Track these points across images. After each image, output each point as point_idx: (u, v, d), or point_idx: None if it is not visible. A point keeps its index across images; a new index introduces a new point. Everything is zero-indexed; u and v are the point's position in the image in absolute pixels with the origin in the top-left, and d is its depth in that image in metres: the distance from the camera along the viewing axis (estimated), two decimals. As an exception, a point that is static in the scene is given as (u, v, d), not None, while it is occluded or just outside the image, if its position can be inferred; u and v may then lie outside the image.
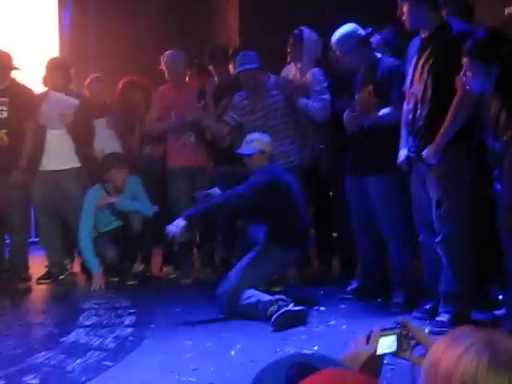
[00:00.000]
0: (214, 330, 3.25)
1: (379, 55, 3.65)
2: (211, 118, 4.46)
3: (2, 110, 4.28)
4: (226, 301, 3.45)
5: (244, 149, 3.86)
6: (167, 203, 4.58)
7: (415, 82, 3.13)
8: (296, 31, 4.21)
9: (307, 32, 4.19)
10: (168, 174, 4.60)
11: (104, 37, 6.60)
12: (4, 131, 4.26)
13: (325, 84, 4.09)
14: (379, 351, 1.35)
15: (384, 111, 3.46)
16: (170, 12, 6.31)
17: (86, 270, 4.58)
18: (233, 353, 2.87)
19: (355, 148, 3.65)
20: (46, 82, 4.65)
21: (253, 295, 3.43)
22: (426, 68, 3.07)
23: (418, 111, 3.12)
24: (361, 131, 3.56)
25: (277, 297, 3.40)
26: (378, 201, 3.58)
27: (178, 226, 3.40)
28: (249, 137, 3.89)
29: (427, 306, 3.31)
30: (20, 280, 4.33)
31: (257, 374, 1.16)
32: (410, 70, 3.17)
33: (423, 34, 3.13)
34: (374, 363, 1.33)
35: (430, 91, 3.05)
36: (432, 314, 3.19)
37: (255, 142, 3.82)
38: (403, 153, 3.27)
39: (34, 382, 2.58)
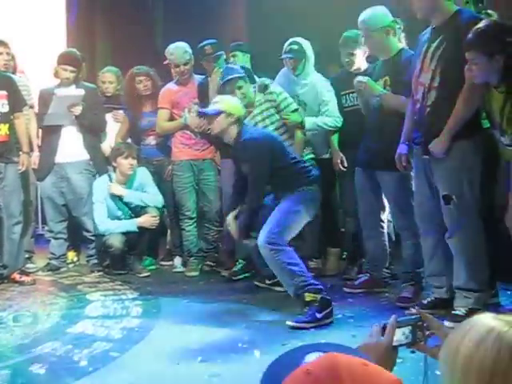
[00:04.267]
0: (222, 323, 3.24)
1: (401, 45, 3.61)
2: None
3: (4, 104, 4.24)
4: (268, 248, 3.26)
5: (207, 109, 3.69)
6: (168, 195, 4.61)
7: (423, 71, 3.10)
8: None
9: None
10: (174, 166, 4.60)
11: (111, 29, 6.60)
12: (7, 125, 4.24)
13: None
14: (394, 343, 1.33)
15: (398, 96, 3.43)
16: (176, 5, 6.28)
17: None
18: (240, 345, 2.86)
19: (368, 140, 3.63)
20: (56, 74, 4.66)
21: (299, 264, 3.28)
22: (436, 57, 3.03)
23: (426, 100, 3.08)
24: (375, 125, 3.54)
25: (319, 286, 3.27)
26: (389, 195, 3.56)
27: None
28: (215, 98, 3.75)
29: (424, 301, 3.30)
30: (21, 273, 4.32)
31: (270, 363, 1.14)
32: (419, 60, 3.14)
33: (434, 23, 3.10)
34: (390, 355, 1.31)
35: (437, 80, 3.02)
36: (431, 308, 3.15)
37: (220, 103, 3.62)
38: (403, 147, 3.26)
39: (41, 371, 2.58)
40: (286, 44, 4.14)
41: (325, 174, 4.17)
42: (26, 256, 4.57)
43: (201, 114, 3.93)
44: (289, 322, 3.13)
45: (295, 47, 4.10)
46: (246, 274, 4.20)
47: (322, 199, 4.20)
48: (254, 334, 3.01)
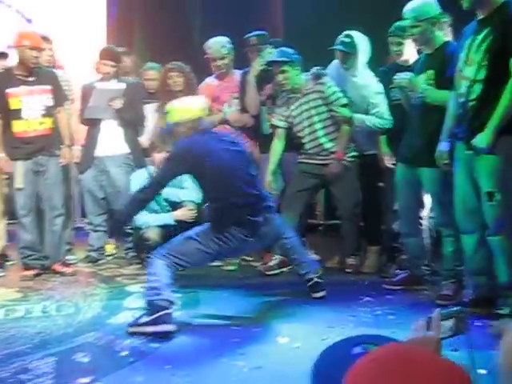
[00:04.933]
0: (260, 317, 3.25)
1: (446, 38, 3.55)
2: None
3: (48, 98, 4.33)
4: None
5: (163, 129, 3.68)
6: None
7: (468, 64, 3.04)
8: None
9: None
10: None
11: (149, 24, 6.66)
12: (51, 119, 4.32)
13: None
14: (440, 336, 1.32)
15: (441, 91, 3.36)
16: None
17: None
18: (279, 338, 2.86)
19: (410, 136, 3.58)
20: (98, 69, 4.74)
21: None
22: (481, 50, 2.96)
23: (469, 95, 3.03)
24: (418, 121, 3.49)
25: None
26: (430, 191, 3.52)
27: None
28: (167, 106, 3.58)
29: (466, 299, 3.24)
30: (62, 264, 4.40)
31: (320, 354, 1.14)
32: (463, 53, 3.08)
33: (480, 15, 3.03)
34: (440, 348, 1.29)
35: (483, 73, 2.95)
36: (472, 307, 3.09)
37: (171, 113, 3.47)
38: (444, 144, 3.21)
39: (84, 360, 2.63)
40: (340, 36, 4.09)
41: (368, 171, 4.15)
42: (67, 248, 4.66)
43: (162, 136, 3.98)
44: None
45: (347, 40, 4.06)
46: (283, 269, 4.20)
47: (365, 196, 4.18)
48: (293, 329, 3.01)
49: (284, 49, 4.14)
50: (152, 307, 3.01)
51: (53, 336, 2.96)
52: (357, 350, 1.09)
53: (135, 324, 3.05)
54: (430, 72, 3.43)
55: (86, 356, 2.66)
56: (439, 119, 3.31)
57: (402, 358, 0.84)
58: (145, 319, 3.01)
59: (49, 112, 4.30)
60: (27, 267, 4.31)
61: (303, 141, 4.20)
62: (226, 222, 3.20)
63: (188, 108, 3.43)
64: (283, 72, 4.03)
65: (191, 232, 3.28)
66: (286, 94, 4.21)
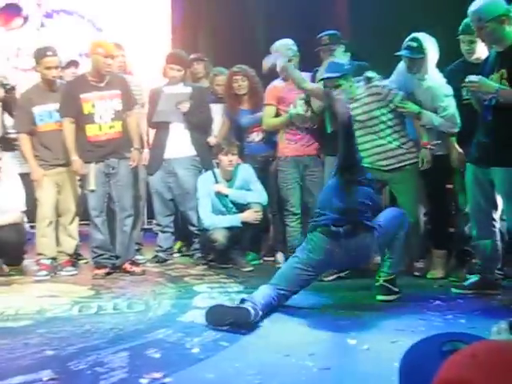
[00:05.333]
0: (328, 318, 3.23)
1: None
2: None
3: (118, 102, 4.45)
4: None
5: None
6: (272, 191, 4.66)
7: None
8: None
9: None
10: (279, 162, 4.64)
11: (215, 29, 6.76)
12: (120, 122, 4.45)
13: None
14: None
15: None
16: (281, 2, 6.33)
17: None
18: (349, 340, 2.84)
19: (482, 137, 3.48)
20: (165, 74, 4.86)
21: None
22: None
23: None
24: (490, 121, 3.39)
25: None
26: (503, 192, 3.41)
27: None
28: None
29: None
30: (132, 263, 4.52)
31: (407, 350, 1.13)
32: None
33: None
34: None
35: None
36: None
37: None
38: None
39: (156, 355, 2.68)
40: (406, 40, 3.97)
41: (437, 173, 4.05)
42: (136, 248, 4.79)
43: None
44: None
45: (413, 44, 3.92)
46: (340, 274, 4.15)
47: (432, 199, 4.08)
48: (361, 331, 2.98)
49: (336, 61, 4.11)
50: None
51: (125, 332, 3.04)
52: (446, 347, 1.07)
53: None
54: (503, 71, 3.32)
55: (157, 352, 2.72)
56: None
57: (498, 351, 0.83)
58: None
59: (118, 116, 4.44)
60: (99, 266, 4.45)
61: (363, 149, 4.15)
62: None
63: None
64: (338, 87, 3.99)
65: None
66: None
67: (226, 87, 4.88)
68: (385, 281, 3.53)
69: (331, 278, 4.10)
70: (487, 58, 3.56)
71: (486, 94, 3.36)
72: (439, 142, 4.03)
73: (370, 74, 4.09)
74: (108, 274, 4.42)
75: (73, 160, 4.40)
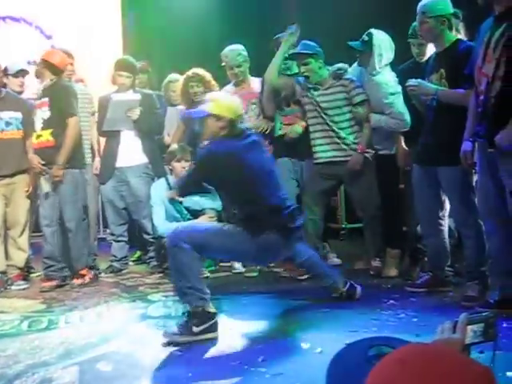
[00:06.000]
0: (281, 323, 3.23)
1: (459, 36, 3.51)
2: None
3: (46, 110, 4.34)
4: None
5: (194, 111, 3.27)
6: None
7: (487, 61, 2.99)
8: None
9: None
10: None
11: (166, 34, 6.73)
12: (49, 131, 4.30)
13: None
14: (466, 341, 1.28)
15: (455, 90, 3.33)
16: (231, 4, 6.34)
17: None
18: (302, 344, 2.84)
19: (427, 137, 3.54)
20: (114, 81, 4.78)
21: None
22: (500, 45, 2.91)
23: (490, 91, 2.97)
24: (433, 122, 3.46)
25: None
26: (450, 191, 3.47)
27: None
28: (207, 96, 3.32)
29: (491, 300, 3.18)
30: (78, 277, 4.42)
31: (335, 355, 1.13)
32: (481, 50, 3.03)
33: (498, 10, 2.99)
34: (464, 352, 1.26)
35: (502, 69, 2.90)
36: (497, 308, 3.02)
37: (210, 104, 3.11)
38: (468, 143, 3.16)
39: (106, 368, 2.63)
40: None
41: (385, 172, 4.11)
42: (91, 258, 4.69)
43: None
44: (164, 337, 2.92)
45: (365, 38, 4.05)
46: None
47: (383, 198, 4.14)
48: (315, 334, 2.98)
49: (307, 42, 4.17)
50: (199, 315, 2.93)
51: (76, 346, 2.96)
52: (372, 351, 1.07)
53: (183, 333, 2.91)
54: (442, 71, 3.40)
55: (107, 364, 2.67)
56: (455, 117, 3.27)
57: (426, 356, 0.83)
58: (195, 329, 2.91)
59: (46, 125, 4.30)
60: (48, 278, 4.36)
61: (317, 139, 4.20)
62: (264, 226, 3.00)
63: (233, 106, 3.14)
64: (306, 64, 4.07)
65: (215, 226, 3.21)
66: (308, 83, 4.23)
67: (181, 91, 4.85)
68: (345, 289, 3.60)
69: (304, 277, 4.12)
70: (429, 59, 3.66)
71: (425, 95, 3.42)
72: (373, 151, 4.11)
73: (340, 65, 4.16)
74: (58, 286, 4.32)
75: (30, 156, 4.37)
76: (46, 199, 4.33)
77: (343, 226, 6.24)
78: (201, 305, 2.95)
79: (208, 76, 4.77)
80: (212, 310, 3.01)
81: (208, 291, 3.01)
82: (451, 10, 3.45)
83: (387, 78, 4.08)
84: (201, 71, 4.75)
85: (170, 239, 2.99)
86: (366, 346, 1.05)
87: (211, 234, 3.02)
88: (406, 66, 4.17)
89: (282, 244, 3.06)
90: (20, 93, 4.82)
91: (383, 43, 4.06)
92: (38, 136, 4.32)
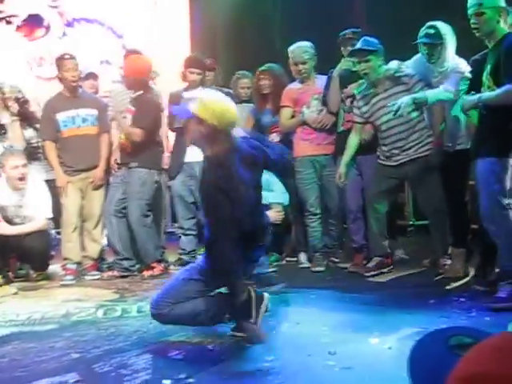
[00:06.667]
0: (349, 317, 3.23)
1: (507, 30, 3.37)
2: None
3: (127, 118, 4.57)
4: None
5: (179, 109, 2.77)
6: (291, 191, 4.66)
7: None
8: None
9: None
10: (295, 163, 4.64)
11: (233, 31, 6.81)
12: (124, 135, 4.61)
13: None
14: None
15: (500, 89, 3.18)
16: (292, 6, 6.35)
17: None
18: (370, 339, 2.83)
19: (477, 130, 3.46)
20: (184, 78, 4.90)
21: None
22: None
23: None
24: (481, 117, 3.37)
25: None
26: (478, 184, 3.38)
27: None
28: (193, 93, 2.89)
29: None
30: (147, 268, 4.58)
31: (412, 348, 1.13)
32: None
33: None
34: None
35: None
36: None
37: (195, 103, 2.63)
38: None
39: (178, 357, 2.72)
40: (423, 29, 3.95)
41: (456, 168, 4.01)
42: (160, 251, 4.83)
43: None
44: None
45: (431, 31, 3.90)
46: (383, 270, 4.15)
47: (450, 195, 4.04)
48: (384, 330, 2.96)
49: (368, 38, 4.10)
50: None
51: (148, 334, 3.08)
52: (452, 341, 1.07)
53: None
54: (489, 67, 3.29)
55: (179, 353, 2.75)
56: (495, 115, 3.20)
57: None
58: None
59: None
60: (116, 269, 4.54)
61: (383, 138, 4.15)
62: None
63: (222, 112, 2.66)
64: (367, 61, 4.00)
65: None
66: (364, 90, 4.18)
67: (253, 86, 4.92)
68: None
69: (374, 273, 4.10)
70: (485, 54, 3.52)
71: (475, 107, 3.35)
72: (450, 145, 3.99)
73: (394, 66, 4.09)
74: (123, 277, 4.49)
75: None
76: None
77: (411, 222, 6.15)
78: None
79: (280, 70, 4.81)
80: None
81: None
82: (504, 3, 3.34)
83: (464, 67, 3.95)
84: (273, 65, 4.80)
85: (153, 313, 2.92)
86: (445, 336, 1.05)
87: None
88: (480, 56, 4.04)
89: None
90: (94, 93, 5.05)
91: (449, 32, 3.95)
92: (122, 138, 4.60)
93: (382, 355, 2.65)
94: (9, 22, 6.79)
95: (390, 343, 2.74)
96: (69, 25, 7.04)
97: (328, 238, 4.65)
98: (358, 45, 4.09)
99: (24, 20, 6.88)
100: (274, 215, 4.54)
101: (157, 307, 2.89)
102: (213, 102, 2.67)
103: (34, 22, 6.91)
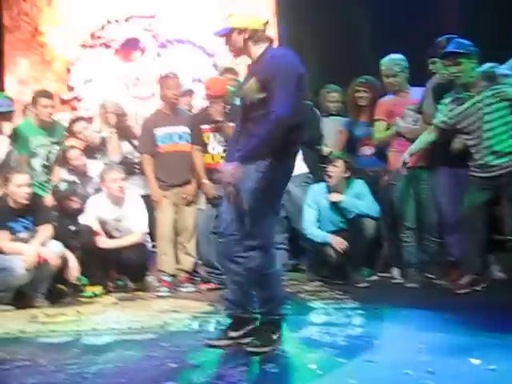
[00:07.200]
0: (447, 337, 3.11)
1: None
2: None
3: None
4: None
5: (219, 31, 3.00)
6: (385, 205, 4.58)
7: None
8: None
9: None
10: (391, 176, 4.56)
11: (320, 43, 6.80)
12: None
13: None
14: None
15: None
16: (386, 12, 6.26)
17: None
18: (470, 359, 2.72)
19: None
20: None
21: None
22: None
23: None
24: None
25: None
26: None
27: None
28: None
29: None
30: None
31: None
32: None
33: None
34: None
35: None
36: None
37: (230, 20, 2.95)
38: None
39: (274, 370, 2.73)
40: None
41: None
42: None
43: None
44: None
45: None
46: (476, 288, 3.99)
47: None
48: (486, 349, 2.84)
49: (460, 40, 3.96)
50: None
51: (242, 347, 3.10)
52: None
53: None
54: None
55: (275, 367, 2.76)
56: None
57: None
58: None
59: None
60: (207, 281, 4.69)
61: (472, 146, 3.98)
62: None
63: (253, 16, 2.99)
64: (458, 64, 3.85)
65: None
66: (453, 93, 4.04)
67: (349, 97, 4.92)
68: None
69: (465, 290, 3.97)
70: None
71: None
72: None
73: (491, 64, 3.91)
74: (215, 289, 4.57)
75: (203, 182, 4.70)
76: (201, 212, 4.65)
77: (510, 237, 5.85)
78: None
79: (378, 83, 4.77)
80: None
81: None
82: None
83: None
84: (371, 77, 4.77)
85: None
86: None
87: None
88: None
89: None
90: (188, 111, 5.20)
91: None
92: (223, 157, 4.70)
93: (484, 376, 2.54)
94: (108, 46, 7.15)
95: (494, 364, 2.62)
96: (162, 46, 7.31)
97: (423, 253, 4.52)
98: (449, 47, 3.97)
99: (122, 45, 7.22)
100: (339, 242, 4.48)
101: None
102: (241, 13, 3.01)
103: (130, 46, 7.24)
